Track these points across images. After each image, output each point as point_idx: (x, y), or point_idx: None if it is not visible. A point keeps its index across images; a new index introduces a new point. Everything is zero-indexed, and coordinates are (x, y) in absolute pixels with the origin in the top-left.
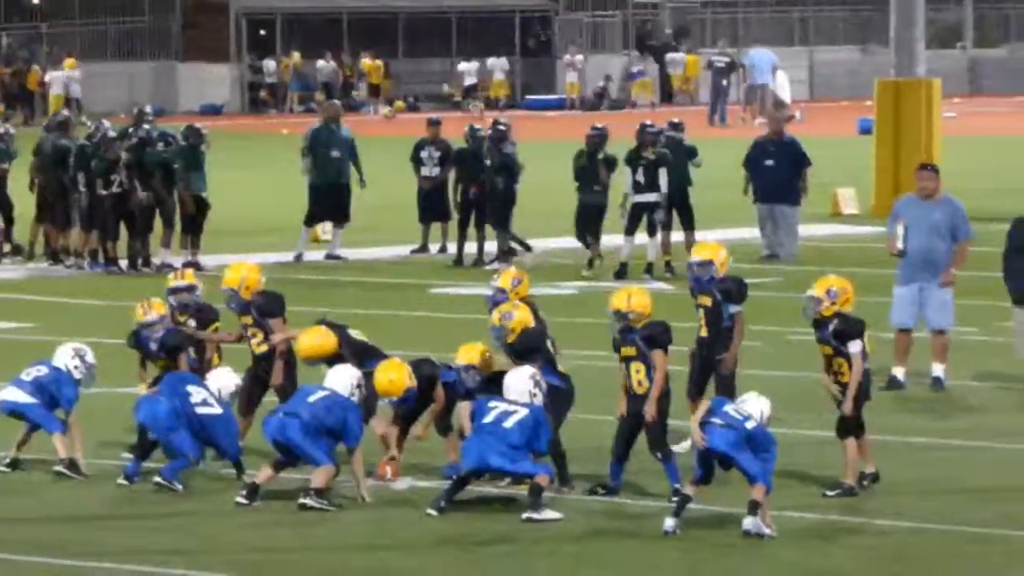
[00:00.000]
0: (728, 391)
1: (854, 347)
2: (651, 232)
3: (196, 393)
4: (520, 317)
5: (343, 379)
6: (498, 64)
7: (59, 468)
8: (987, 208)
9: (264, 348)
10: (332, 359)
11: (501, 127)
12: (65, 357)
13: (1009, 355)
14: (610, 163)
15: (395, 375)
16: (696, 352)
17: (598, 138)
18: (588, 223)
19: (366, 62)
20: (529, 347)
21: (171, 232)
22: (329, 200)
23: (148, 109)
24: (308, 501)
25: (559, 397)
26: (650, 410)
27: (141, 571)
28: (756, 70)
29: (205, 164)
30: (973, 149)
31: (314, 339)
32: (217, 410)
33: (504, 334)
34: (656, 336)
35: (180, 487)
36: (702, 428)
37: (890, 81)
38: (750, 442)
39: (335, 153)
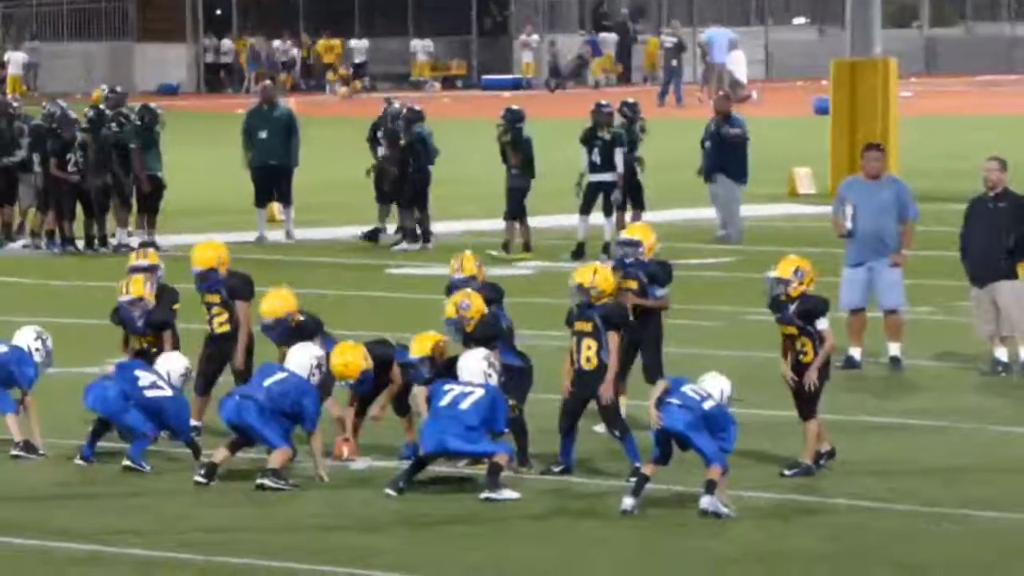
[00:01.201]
0: (656, 371)
1: (822, 324)
2: (607, 212)
3: (144, 377)
4: (476, 305)
5: (303, 359)
6: (421, 45)
7: (15, 452)
8: (944, 188)
9: (226, 328)
10: (292, 332)
11: (415, 107)
12: (28, 338)
13: (966, 334)
14: (517, 144)
15: (350, 357)
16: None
17: (511, 119)
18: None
19: (321, 42)
20: (488, 335)
21: (128, 212)
22: (267, 181)
23: (119, 90)
24: (266, 481)
25: (520, 376)
26: (606, 390)
27: (99, 551)
28: (714, 48)
29: (160, 144)
30: (930, 129)
31: (274, 301)
32: (167, 392)
33: (463, 324)
34: (613, 316)
35: (148, 467)
36: (659, 408)
37: (846, 61)
38: (708, 422)
39: (263, 135)
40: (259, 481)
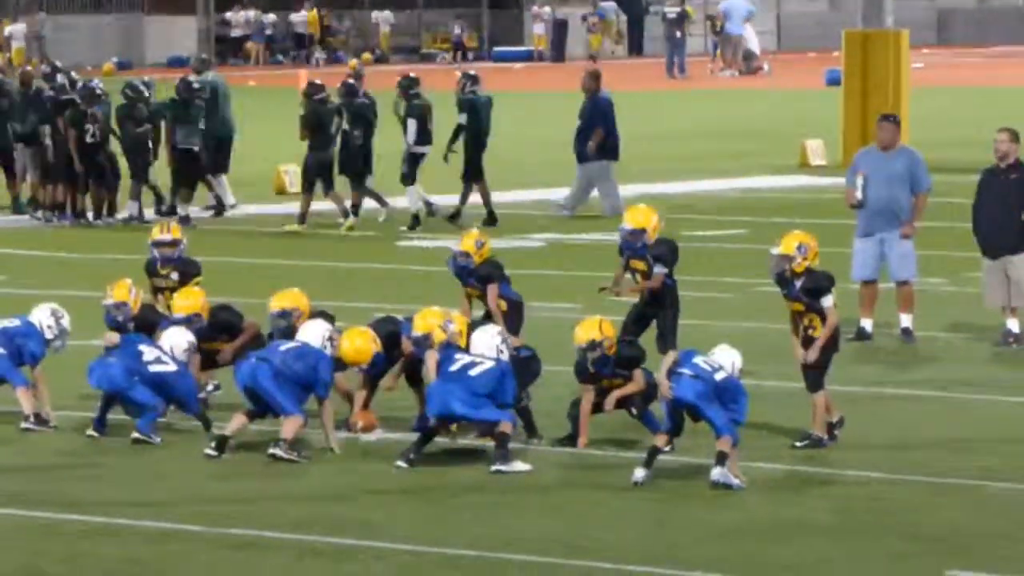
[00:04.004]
0: (669, 341)
1: (827, 301)
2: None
3: (148, 352)
4: (459, 327)
5: (315, 332)
6: (382, 17)
7: (25, 425)
8: (956, 159)
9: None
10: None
11: (351, 82)
12: (42, 315)
13: (978, 306)
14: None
15: (360, 342)
16: (635, 309)
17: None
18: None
19: (308, 14)
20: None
21: (142, 185)
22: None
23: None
24: (277, 452)
25: (525, 365)
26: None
27: (111, 523)
28: (731, 19)
29: (200, 119)
30: (941, 100)
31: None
32: (171, 367)
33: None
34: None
35: (158, 439)
36: (670, 378)
37: (858, 32)
38: (720, 393)
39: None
40: (271, 451)
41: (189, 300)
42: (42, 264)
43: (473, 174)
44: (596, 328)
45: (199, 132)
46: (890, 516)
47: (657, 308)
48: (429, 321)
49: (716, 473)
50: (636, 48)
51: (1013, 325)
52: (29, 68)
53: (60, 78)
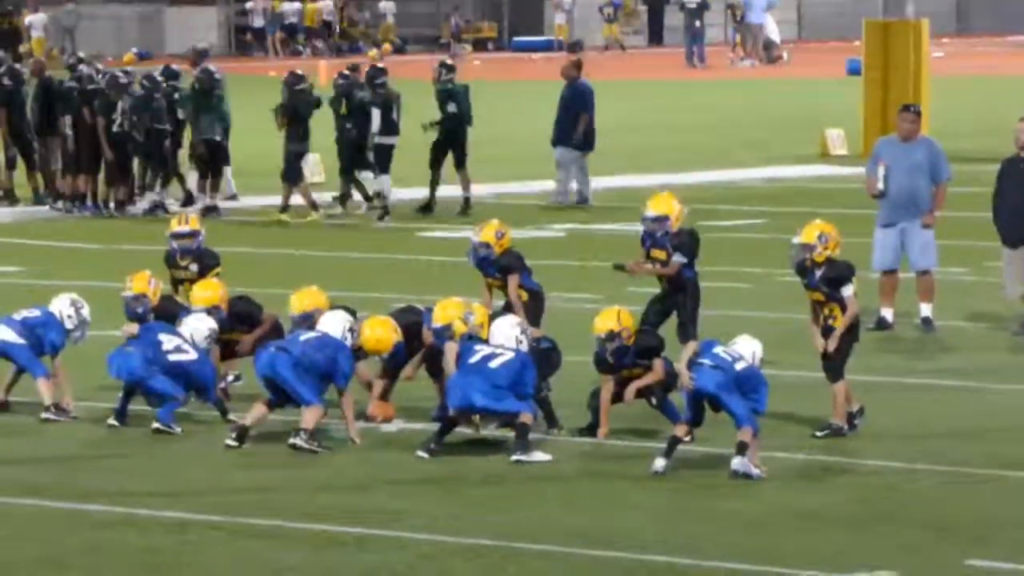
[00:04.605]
0: (690, 331)
1: (847, 291)
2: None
3: (168, 341)
4: (480, 319)
5: (335, 323)
6: (388, 7)
7: (46, 415)
8: (976, 148)
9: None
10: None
11: (346, 74)
12: (62, 304)
13: (998, 295)
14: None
15: (381, 332)
16: (655, 299)
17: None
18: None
19: (310, 6)
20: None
21: (162, 174)
22: None
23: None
24: (298, 442)
25: (546, 356)
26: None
27: (131, 513)
28: (752, 9)
29: (223, 108)
30: (961, 89)
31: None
32: (191, 355)
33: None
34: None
35: (178, 429)
36: (690, 369)
37: (878, 21)
38: (740, 383)
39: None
40: (291, 441)
41: (208, 292)
42: (62, 255)
43: (439, 163)
44: (615, 318)
45: (220, 122)
46: (910, 506)
47: (677, 298)
48: (449, 312)
49: (736, 463)
50: (656, 38)
51: None
52: (43, 59)
53: (86, 69)
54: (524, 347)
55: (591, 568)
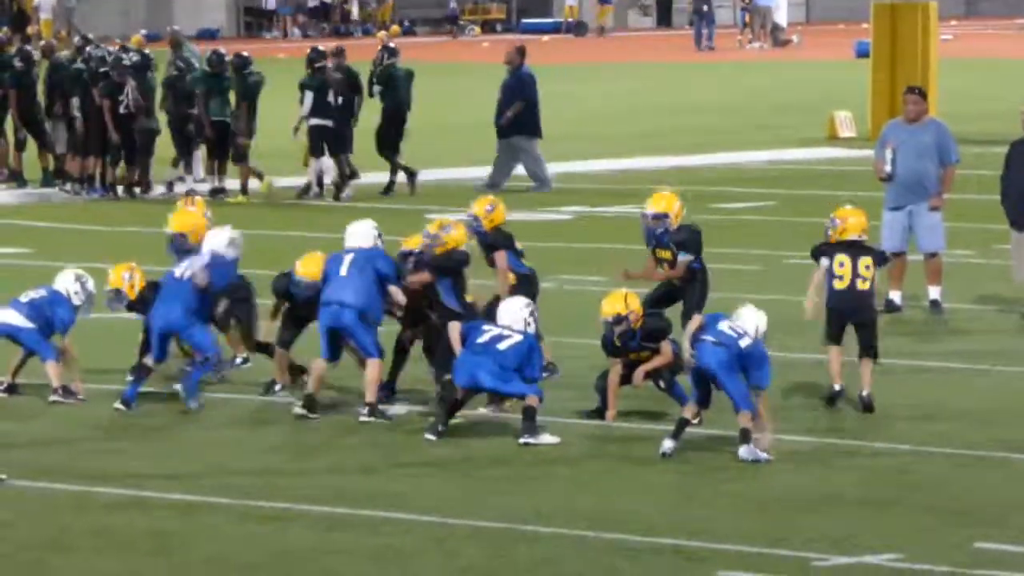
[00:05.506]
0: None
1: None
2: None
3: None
4: (457, 236)
5: (363, 232)
6: None
7: (54, 398)
8: (984, 131)
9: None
10: None
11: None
12: (67, 281)
13: (1007, 278)
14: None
15: (313, 267)
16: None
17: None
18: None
19: None
20: (449, 266)
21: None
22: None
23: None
24: (369, 419)
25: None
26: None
27: (140, 496)
28: None
29: (231, 91)
30: (970, 72)
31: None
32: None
33: (435, 244)
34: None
35: (195, 404)
36: (693, 345)
37: (887, 4)
38: (744, 360)
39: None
40: (362, 419)
41: (184, 219)
42: (70, 236)
43: (389, 147)
44: (622, 301)
45: (230, 104)
46: (918, 488)
47: (686, 287)
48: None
49: (743, 451)
50: (664, 20)
51: None
52: (53, 40)
53: (93, 50)
54: (532, 329)
55: (599, 550)
